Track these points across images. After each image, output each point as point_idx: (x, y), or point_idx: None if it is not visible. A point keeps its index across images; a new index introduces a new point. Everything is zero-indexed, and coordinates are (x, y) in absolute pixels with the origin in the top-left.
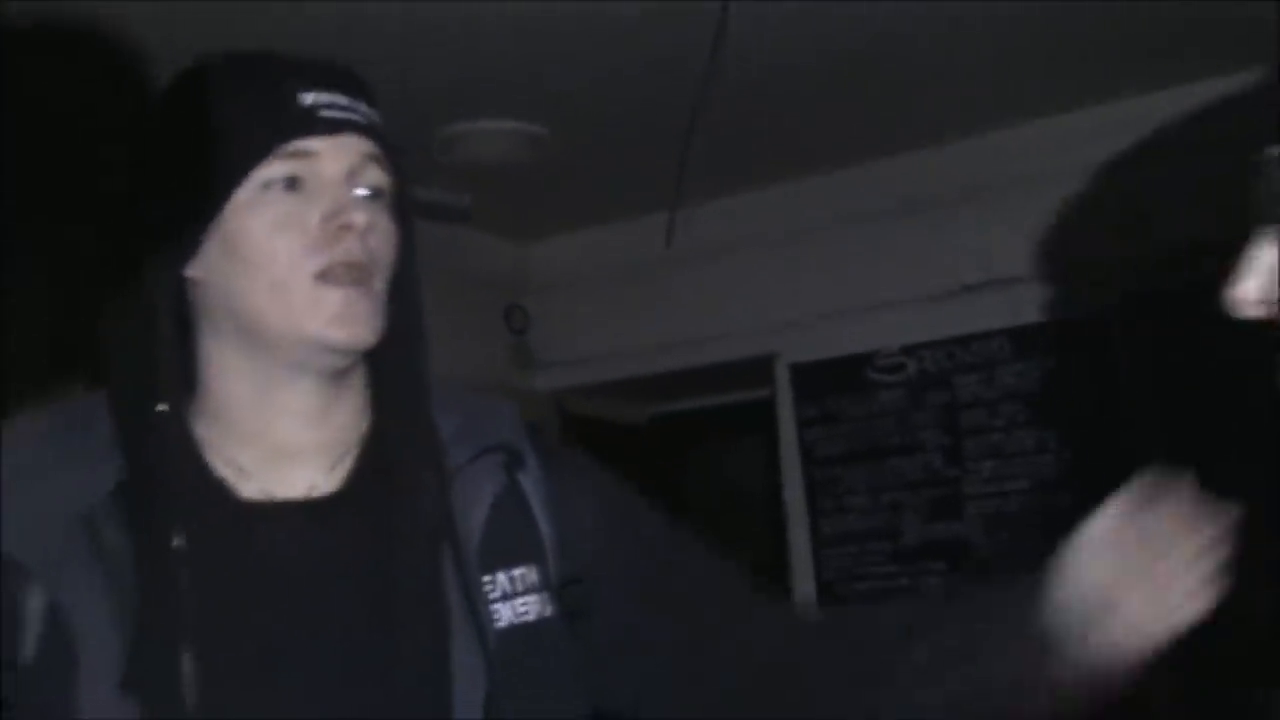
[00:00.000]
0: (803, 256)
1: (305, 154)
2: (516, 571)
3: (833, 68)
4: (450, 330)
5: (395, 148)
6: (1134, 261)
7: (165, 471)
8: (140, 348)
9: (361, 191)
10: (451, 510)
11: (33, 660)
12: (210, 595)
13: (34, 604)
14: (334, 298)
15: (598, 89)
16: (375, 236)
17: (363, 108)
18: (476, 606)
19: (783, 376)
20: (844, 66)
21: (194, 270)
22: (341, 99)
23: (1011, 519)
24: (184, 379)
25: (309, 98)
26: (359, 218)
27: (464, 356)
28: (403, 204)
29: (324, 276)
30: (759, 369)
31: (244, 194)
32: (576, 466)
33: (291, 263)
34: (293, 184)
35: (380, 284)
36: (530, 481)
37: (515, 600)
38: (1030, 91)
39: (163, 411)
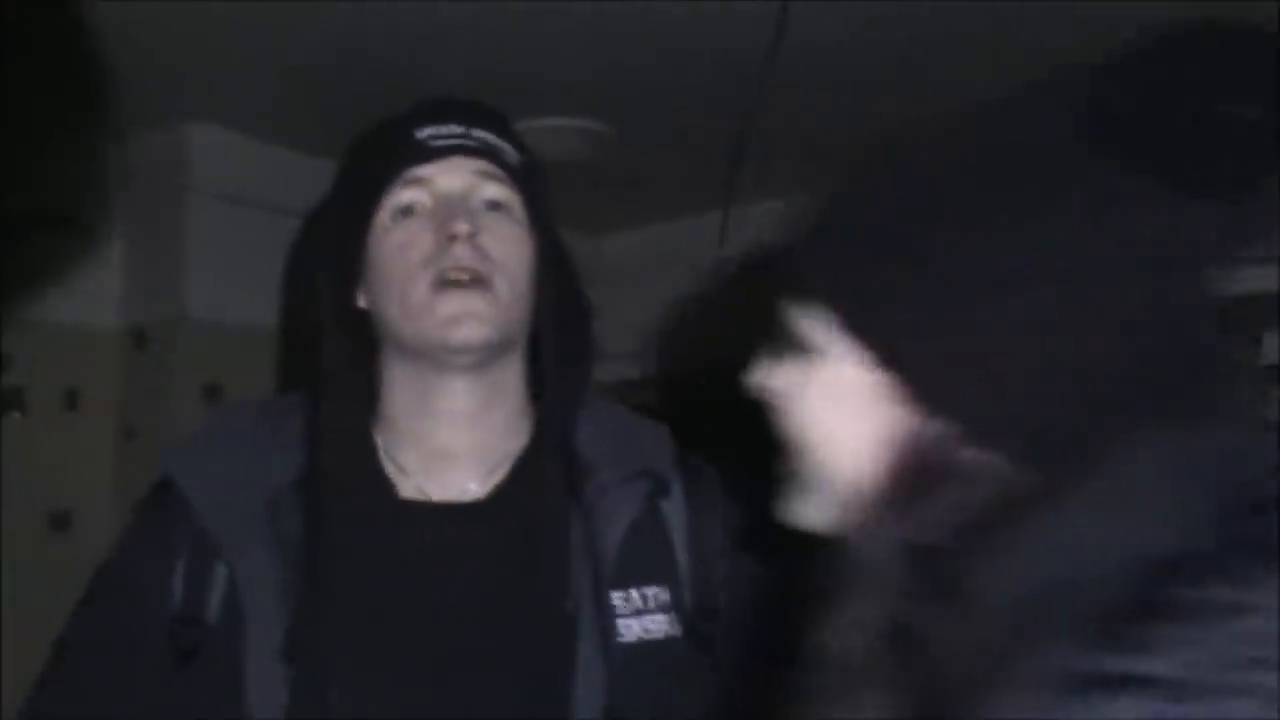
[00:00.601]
0: None
1: (421, 180)
2: (650, 590)
3: (897, 61)
4: None
5: (516, 169)
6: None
7: (338, 469)
8: (323, 364)
9: (480, 204)
10: (592, 526)
11: (214, 623)
12: (361, 584)
13: (219, 573)
14: (446, 300)
15: (661, 87)
16: (490, 239)
17: (478, 133)
18: (605, 619)
19: None
20: (909, 60)
21: (363, 300)
22: (455, 129)
23: None
24: (368, 392)
25: (424, 132)
26: (461, 226)
27: None
28: (540, 217)
29: (438, 283)
30: None
31: (380, 222)
32: (715, 494)
33: (412, 275)
34: (414, 210)
35: (503, 285)
36: (672, 507)
37: (645, 617)
38: None
39: (343, 418)
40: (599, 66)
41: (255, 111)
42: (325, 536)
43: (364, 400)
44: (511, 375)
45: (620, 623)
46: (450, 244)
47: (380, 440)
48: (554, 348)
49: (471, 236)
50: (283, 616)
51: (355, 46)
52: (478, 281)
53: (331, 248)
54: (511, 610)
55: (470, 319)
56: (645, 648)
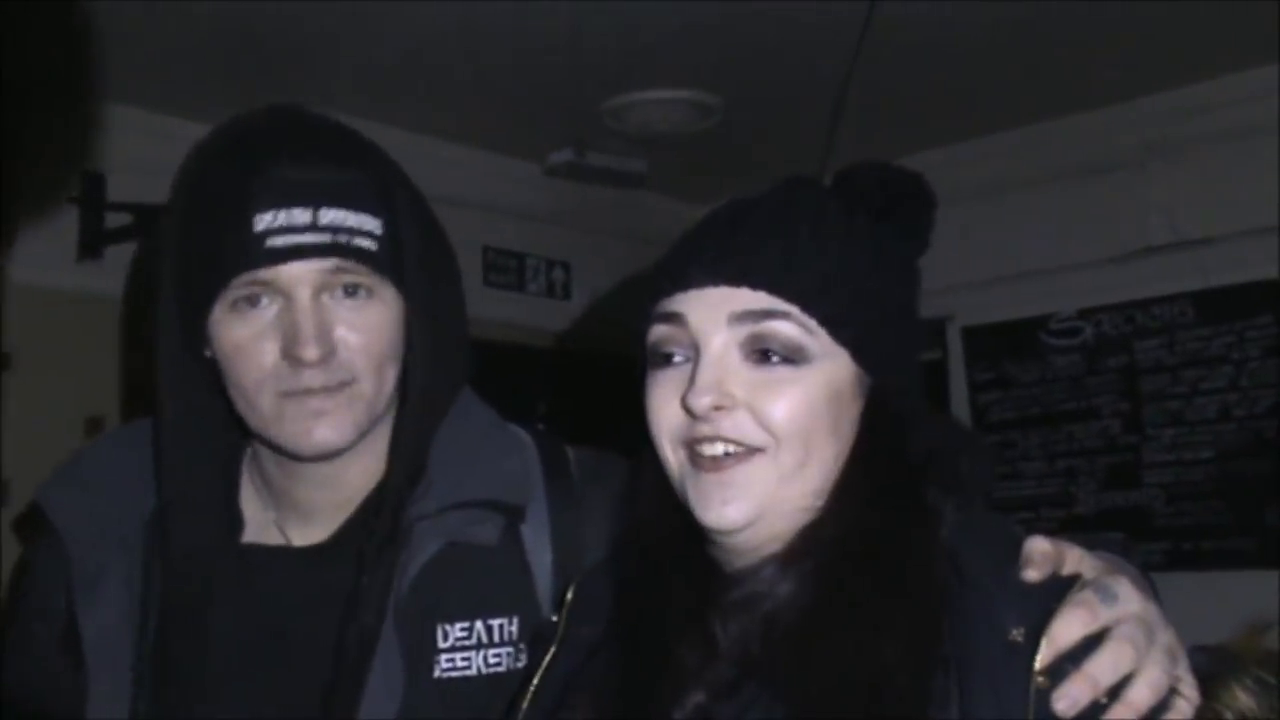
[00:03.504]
0: (977, 218)
1: (263, 282)
2: (496, 621)
3: (1010, 24)
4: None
5: (375, 250)
6: None
7: (181, 512)
8: (157, 412)
9: (334, 298)
10: (396, 559)
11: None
12: (194, 631)
13: (69, 608)
14: (294, 415)
15: (764, 59)
16: (346, 344)
17: (329, 217)
18: (390, 657)
19: (955, 339)
20: (1022, 22)
21: (210, 352)
22: (301, 215)
23: (1194, 489)
24: (220, 429)
25: (264, 220)
26: (311, 352)
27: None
28: (409, 274)
29: (287, 396)
30: (931, 331)
31: (217, 312)
32: (591, 512)
33: (257, 385)
34: (255, 300)
35: (365, 383)
36: (533, 532)
37: (488, 650)
38: (1221, 46)
39: (182, 462)
40: (703, 39)
41: (369, 95)
42: (164, 588)
43: (212, 440)
44: (377, 432)
45: (458, 656)
46: (298, 366)
47: (246, 474)
48: (428, 403)
49: (325, 357)
50: (128, 649)
51: (473, 28)
52: (336, 388)
53: (168, 304)
54: (315, 647)
55: (321, 430)
56: (477, 682)
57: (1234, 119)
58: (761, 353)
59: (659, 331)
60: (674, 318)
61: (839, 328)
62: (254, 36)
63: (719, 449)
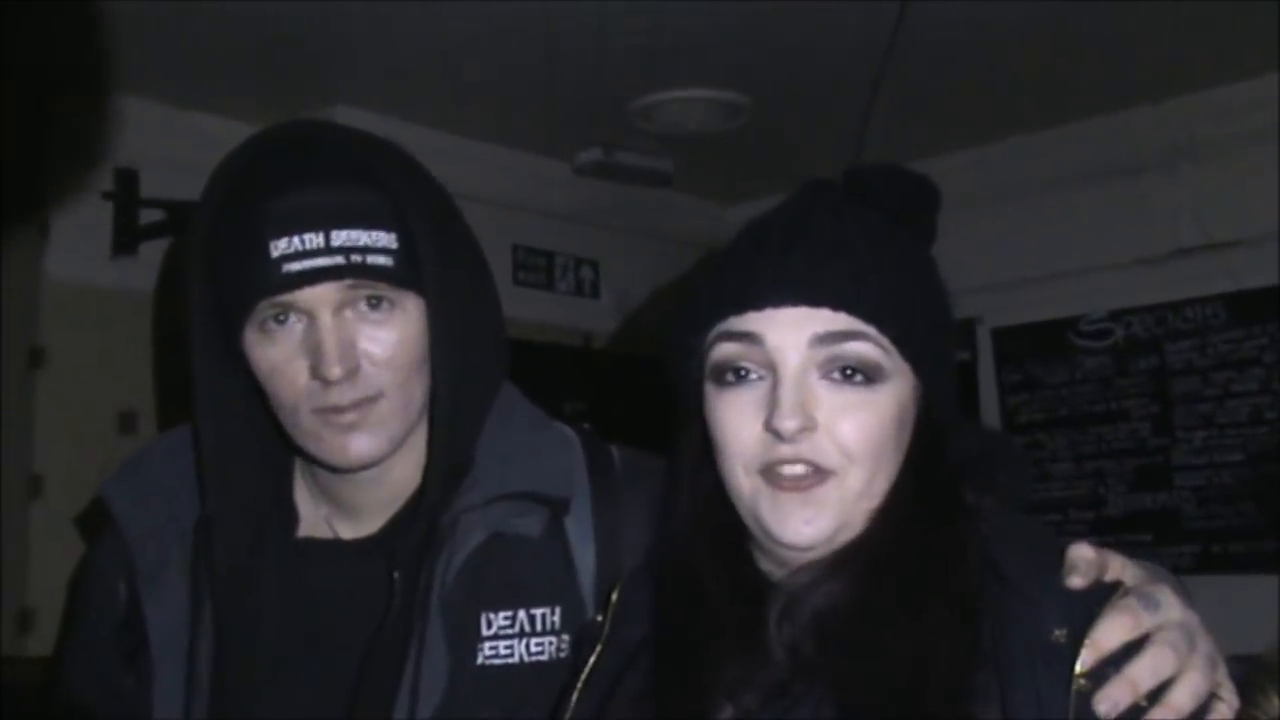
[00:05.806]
0: (1007, 218)
1: (285, 304)
2: (539, 611)
3: (1040, 25)
4: (656, 285)
5: (390, 265)
6: None
7: (231, 510)
8: (194, 412)
9: (356, 313)
10: (441, 550)
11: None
12: (250, 615)
13: (132, 599)
14: (330, 432)
15: (793, 57)
16: (370, 358)
17: (342, 238)
18: (429, 644)
19: (984, 340)
20: (1051, 23)
21: (249, 369)
22: (314, 239)
23: (1225, 491)
24: (266, 427)
25: (279, 247)
26: (335, 370)
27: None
28: (439, 271)
29: (320, 413)
30: (961, 333)
31: (248, 333)
32: (633, 509)
33: (293, 404)
34: (282, 320)
35: (394, 396)
36: (576, 524)
37: (531, 639)
38: (1251, 47)
39: (228, 461)
40: (731, 40)
41: (398, 94)
42: (221, 569)
43: (256, 452)
44: (419, 432)
45: (501, 644)
46: (328, 384)
47: (298, 471)
48: (448, 409)
49: (350, 374)
50: (185, 644)
51: (502, 27)
52: (365, 403)
53: (200, 328)
54: (358, 639)
55: (356, 445)
56: (519, 669)
57: (1265, 120)
58: (842, 372)
59: (729, 350)
60: (747, 337)
61: (906, 344)
62: (284, 35)
63: (799, 470)
